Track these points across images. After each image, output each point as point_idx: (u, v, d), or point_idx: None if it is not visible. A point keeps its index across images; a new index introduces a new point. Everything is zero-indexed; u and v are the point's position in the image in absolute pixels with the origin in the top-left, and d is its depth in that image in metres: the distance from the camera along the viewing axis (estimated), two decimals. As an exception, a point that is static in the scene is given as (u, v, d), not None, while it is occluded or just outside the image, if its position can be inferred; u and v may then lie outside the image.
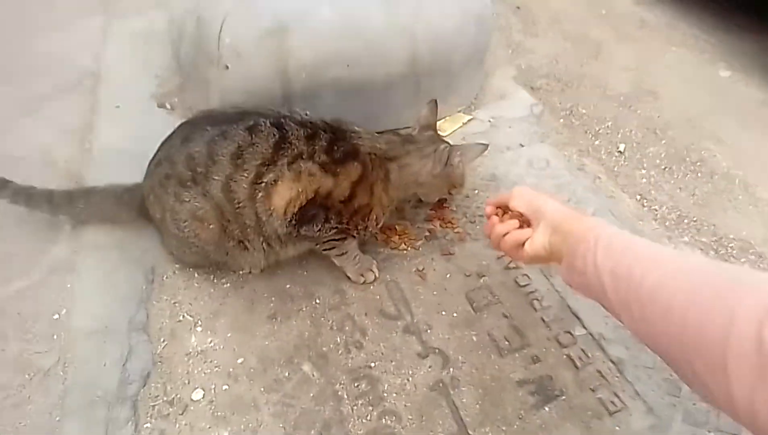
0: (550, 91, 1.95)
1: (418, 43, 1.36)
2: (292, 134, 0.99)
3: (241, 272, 1.12)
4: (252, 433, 0.88)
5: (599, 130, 1.75)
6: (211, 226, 1.00)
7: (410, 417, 0.89)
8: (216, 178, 0.97)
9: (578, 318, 1.02)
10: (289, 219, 0.99)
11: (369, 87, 1.36)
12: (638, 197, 1.46)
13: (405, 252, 1.18)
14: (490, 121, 1.58)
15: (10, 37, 2.02)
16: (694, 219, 1.42)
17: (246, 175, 0.96)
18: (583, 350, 0.97)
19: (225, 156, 0.97)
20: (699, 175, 1.60)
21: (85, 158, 1.43)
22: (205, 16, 1.35)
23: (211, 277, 1.13)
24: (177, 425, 0.89)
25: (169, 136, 1.09)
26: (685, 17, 2.52)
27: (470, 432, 0.86)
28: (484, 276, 1.12)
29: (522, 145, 1.49)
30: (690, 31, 2.40)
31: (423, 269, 1.14)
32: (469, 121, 1.58)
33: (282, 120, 1.01)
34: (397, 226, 1.22)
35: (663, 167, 1.62)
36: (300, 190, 0.97)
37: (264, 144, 0.97)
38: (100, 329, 1.01)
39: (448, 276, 1.13)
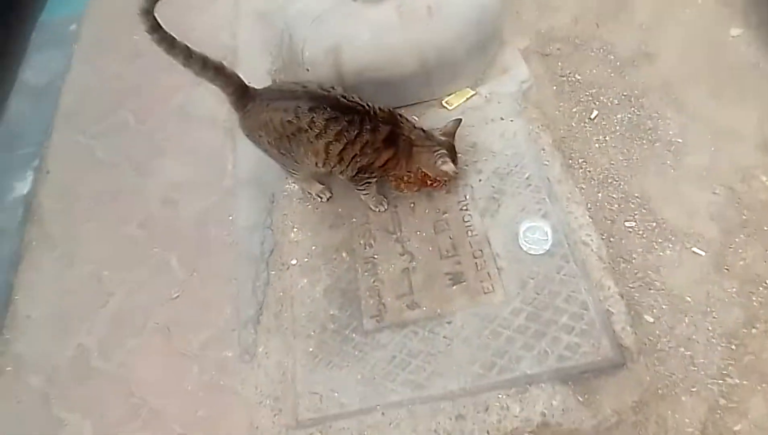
0: (559, 56, 2.47)
1: (424, 52, 2.07)
2: (365, 127, 1.69)
3: (319, 196, 2.05)
4: (317, 282, 1.90)
5: (581, 97, 2.31)
6: (312, 160, 1.76)
7: (390, 281, 1.84)
8: (322, 139, 1.68)
9: (489, 243, 1.85)
10: (351, 174, 1.82)
11: (392, 81, 2.13)
12: (580, 161, 2.11)
13: (406, 193, 2.04)
14: (486, 96, 2.25)
15: (177, 19, 2.96)
16: (617, 179, 2.05)
17: (339, 145, 1.70)
18: (484, 261, 1.82)
19: (333, 130, 1.67)
20: (644, 141, 2.14)
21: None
22: (294, 36, 2.18)
23: (304, 202, 2.10)
24: (284, 274, 1.93)
25: (293, 95, 1.65)
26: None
27: (415, 293, 1.80)
28: (446, 213, 1.96)
29: (502, 119, 2.17)
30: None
31: (413, 205, 2.01)
32: (472, 96, 2.26)
33: (364, 116, 1.68)
34: (405, 177, 2.06)
35: (619, 134, 2.18)
36: (361, 163, 1.77)
37: (352, 130, 1.68)
38: (254, 226, 2.07)
39: (426, 211, 1.99)
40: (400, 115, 1.85)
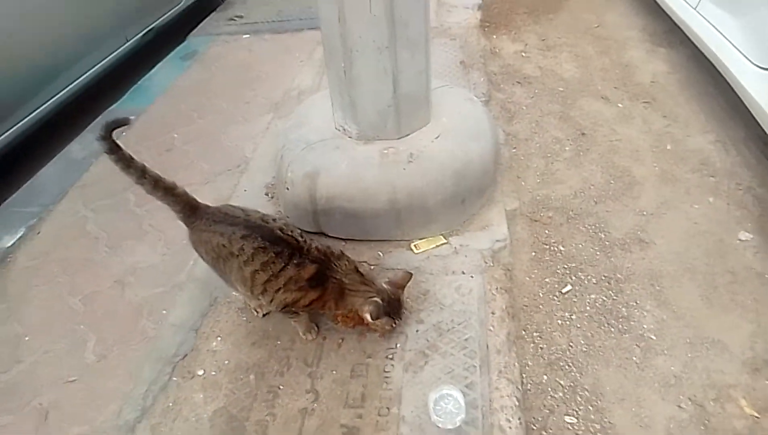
0: (548, 224, 2.39)
1: (396, 193, 2.07)
2: (292, 262, 1.65)
3: (256, 311, 1.98)
4: (211, 401, 1.74)
5: (558, 268, 2.16)
6: (241, 286, 1.74)
7: (283, 419, 1.65)
8: (249, 266, 1.66)
9: (400, 401, 1.63)
10: (275, 307, 1.74)
11: (362, 214, 2.11)
12: (535, 335, 1.90)
13: (340, 328, 1.91)
14: (456, 247, 2.16)
15: (219, 124, 3.28)
16: (570, 364, 1.80)
17: (264, 275, 1.66)
18: (387, 422, 1.59)
19: (259, 259, 1.65)
20: (613, 329, 1.91)
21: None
22: (285, 157, 2.29)
23: (242, 313, 2.02)
24: (185, 383, 1.80)
25: (232, 221, 1.67)
26: (754, 165, 2.52)
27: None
28: (370, 357, 1.79)
29: (464, 273, 2.05)
30: (746, 182, 2.46)
31: (342, 341, 1.86)
32: (442, 244, 2.19)
33: (295, 251, 1.64)
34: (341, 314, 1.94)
35: (587, 315, 1.97)
36: (284, 298, 1.69)
37: (278, 263, 1.64)
38: (181, 325, 2.01)
39: (351, 351, 1.82)
40: (338, 257, 1.77)
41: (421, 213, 2.13)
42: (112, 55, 3.69)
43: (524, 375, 1.75)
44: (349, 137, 2.24)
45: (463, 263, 2.08)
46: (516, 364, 1.73)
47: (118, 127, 1.70)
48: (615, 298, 2.01)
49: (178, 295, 2.13)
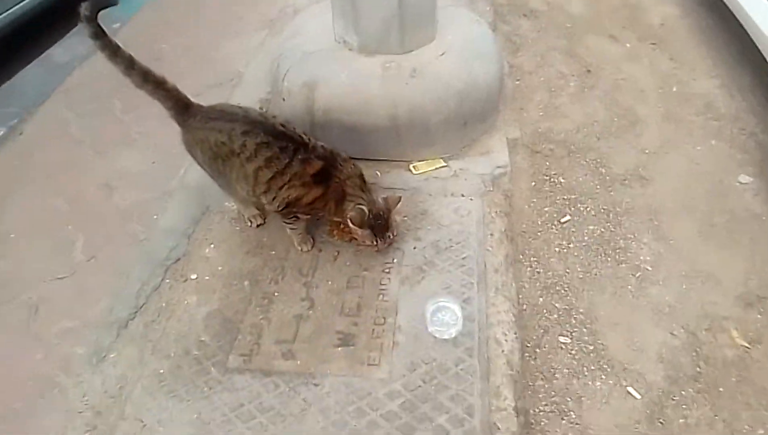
0: (549, 156, 2.33)
1: (397, 108, 1.97)
2: (297, 157, 1.58)
3: (250, 220, 1.91)
4: (204, 303, 1.70)
5: (557, 199, 2.13)
6: (242, 185, 1.64)
7: (278, 323, 1.62)
8: (252, 163, 1.58)
9: (396, 312, 1.61)
10: (277, 206, 1.67)
11: (361, 129, 2.02)
12: (532, 259, 1.88)
13: (336, 240, 1.86)
14: (455, 171, 2.10)
15: (210, 38, 3.09)
16: (566, 289, 1.80)
17: (268, 172, 1.59)
18: (383, 330, 1.57)
19: (263, 155, 1.58)
20: (610, 259, 1.90)
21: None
22: (281, 66, 2.15)
23: (235, 223, 1.95)
24: (177, 285, 1.75)
25: (231, 118, 1.60)
26: (759, 112, 2.47)
27: (296, 342, 1.56)
28: (366, 270, 1.75)
29: (463, 195, 2.00)
30: (750, 128, 2.42)
31: (337, 253, 1.82)
32: (441, 167, 2.12)
33: (299, 146, 1.58)
34: (340, 226, 1.89)
35: (585, 244, 1.95)
36: (288, 195, 1.62)
37: (283, 158, 1.57)
38: (172, 230, 1.93)
39: (347, 263, 1.78)
40: (344, 159, 1.70)
41: (421, 132, 2.05)
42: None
43: (520, 296, 1.74)
44: (350, 49, 2.11)
45: (462, 186, 2.03)
46: (513, 284, 1.71)
47: (105, 6, 1.55)
48: (613, 230, 1.99)
49: (169, 202, 2.05)
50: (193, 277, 1.78)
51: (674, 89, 2.70)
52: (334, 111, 2.01)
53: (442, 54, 2.10)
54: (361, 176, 1.70)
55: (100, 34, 1.58)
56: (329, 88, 2.00)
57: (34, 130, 2.43)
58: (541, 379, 1.52)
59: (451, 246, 1.79)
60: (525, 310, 1.70)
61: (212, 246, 1.88)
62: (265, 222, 1.93)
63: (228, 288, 1.73)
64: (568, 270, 1.85)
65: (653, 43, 3.03)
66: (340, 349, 1.52)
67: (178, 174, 2.16)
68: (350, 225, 1.64)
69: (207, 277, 1.77)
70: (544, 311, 1.71)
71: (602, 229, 1.99)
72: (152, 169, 2.20)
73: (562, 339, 1.63)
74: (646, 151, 2.35)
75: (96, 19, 1.58)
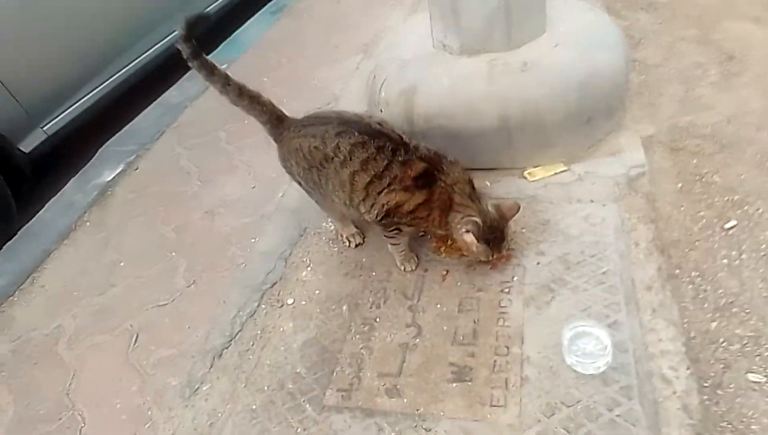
0: (696, 153, 1.90)
1: (507, 107, 1.69)
2: (397, 159, 1.38)
3: (348, 240, 1.70)
4: (301, 330, 1.50)
5: (715, 201, 1.69)
6: (339, 194, 1.45)
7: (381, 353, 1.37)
8: (347, 168, 1.40)
9: (522, 340, 1.29)
10: (377, 215, 1.45)
11: (466, 134, 1.76)
12: (694, 275, 1.46)
13: (444, 258, 1.60)
14: (579, 175, 1.75)
15: (307, 67, 3.06)
16: (748, 311, 1.35)
17: (365, 176, 1.39)
18: (507, 362, 1.25)
19: (359, 156, 1.39)
20: None
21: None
22: (377, 77, 1.99)
23: (333, 244, 1.77)
24: (274, 311, 1.58)
25: (324, 121, 1.47)
26: None
27: (403, 376, 1.29)
28: (481, 291, 1.46)
29: (592, 201, 1.64)
30: None
31: (446, 273, 1.54)
32: (562, 171, 1.79)
33: (399, 147, 1.38)
34: (447, 241, 1.63)
35: (764, 255, 1.50)
36: (387, 201, 1.41)
37: (381, 160, 1.38)
38: (270, 253, 1.79)
39: (458, 283, 1.50)
40: (451, 162, 1.45)
41: (536, 133, 1.74)
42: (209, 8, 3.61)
43: (685, 321, 1.32)
44: (450, 53, 1.88)
45: (590, 191, 1.68)
46: (674, 305, 1.31)
47: (200, 23, 1.49)
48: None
49: (267, 225, 1.93)
50: (290, 302, 1.60)
51: None
52: (435, 117, 1.78)
53: (556, 45, 1.80)
54: (471, 182, 1.44)
55: (196, 54, 1.54)
56: (429, 92, 1.79)
57: (148, 166, 2.48)
58: (731, 431, 1.10)
59: (585, 259, 1.44)
60: (694, 338, 1.28)
61: (309, 268, 1.70)
62: (364, 241, 1.73)
63: (325, 313, 1.53)
64: (745, 287, 1.40)
65: (813, 22, 2.46)
66: (454, 384, 1.23)
67: (276, 197, 2.05)
68: (463, 239, 1.37)
69: (304, 302, 1.59)
70: (721, 340, 1.28)
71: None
72: (251, 194, 2.12)
73: (752, 377, 1.19)
74: (833, 138, 1.81)
75: (191, 39, 1.53)
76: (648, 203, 1.61)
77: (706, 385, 1.19)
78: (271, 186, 2.11)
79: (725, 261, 1.49)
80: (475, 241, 1.35)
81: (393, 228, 1.50)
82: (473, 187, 1.44)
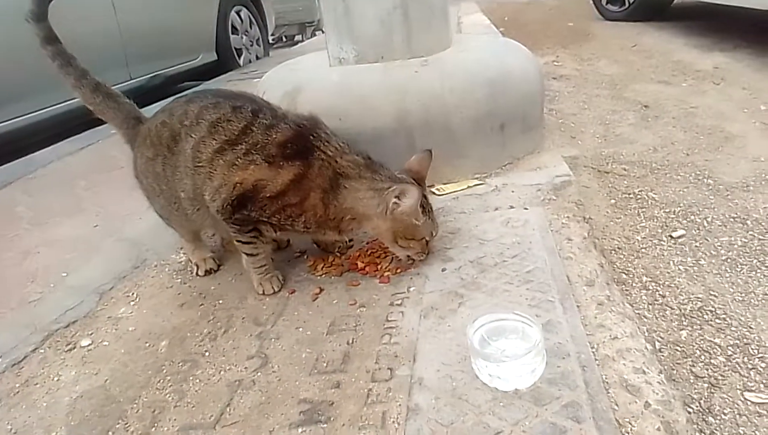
0: (625, 176, 1.68)
1: (407, 100, 1.43)
2: (259, 121, 1.04)
3: (197, 265, 1.27)
4: (87, 377, 0.98)
5: (656, 214, 1.42)
6: (182, 180, 1.09)
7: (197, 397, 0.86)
8: (195, 135, 1.05)
9: (414, 358, 0.84)
10: (223, 201, 1.04)
11: (359, 138, 1.45)
12: (646, 280, 1.11)
13: (322, 277, 1.17)
14: (496, 186, 1.45)
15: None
16: (722, 317, 1.00)
17: (213, 142, 1.04)
18: (388, 390, 0.79)
19: (208, 118, 1.05)
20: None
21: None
22: (259, 88, 1.71)
23: (177, 274, 1.30)
24: (56, 357, 1.05)
25: (177, 100, 1.18)
26: None
27: (219, 427, 0.78)
28: (363, 307, 1.02)
29: (512, 207, 1.32)
30: None
31: (320, 292, 1.11)
32: (475, 185, 1.49)
33: (261, 110, 1.07)
34: (327, 257, 1.22)
35: (725, 259, 1.20)
36: (241, 179, 1.02)
37: (236, 123, 1.04)
38: (80, 289, 1.30)
39: (334, 301, 1.07)
40: (331, 132, 1.11)
41: (443, 138, 1.47)
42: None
43: (644, 329, 0.94)
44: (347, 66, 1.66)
45: (510, 199, 1.37)
46: (625, 301, 0.93)
47: None
48: (762, 238, 1.23)
49: (94, 258, 1.45)
50: (85, 343, 1.09)
51: (762, 108, 2.11)
52: (324, 117, 1.47)
53: (462, 51, 1.62)
54: (368, 157, 1.09)
55: (52, 40, 1.25)
56: (316, 89, 1.52)
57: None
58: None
59: (504, 261, 1.07)
60: (661, 350, 0.89)
61: (132, 303, 1.22)
62: (218, 269, 1.29)
63: (132, 354, 1.02)
64: (712, 292, 1.06)
65: (716, 82, 2.53)
66: (300, 430, 0.74)
67: (121, 231, 1.59)
68: (400, 212, 1.03)
69: (106, 343, 1.08)
70: (698, 352, 0.90)
71: (744, 240, 1.24)
72: (90, 233, 1.65)
73: (750, 397, 0.79)
74: (762, 159, 1.67)
75: (46, 16, 1.24)
76: (578, 206, 1.30)
77: (691, 410, 0.77)
78: (117, 223, 1.66)
79: (681, 267, 1.16)
80: (419, 208, 1.03)
81: (250, 229, 1.09)
82: (369, 158, 1.09)
